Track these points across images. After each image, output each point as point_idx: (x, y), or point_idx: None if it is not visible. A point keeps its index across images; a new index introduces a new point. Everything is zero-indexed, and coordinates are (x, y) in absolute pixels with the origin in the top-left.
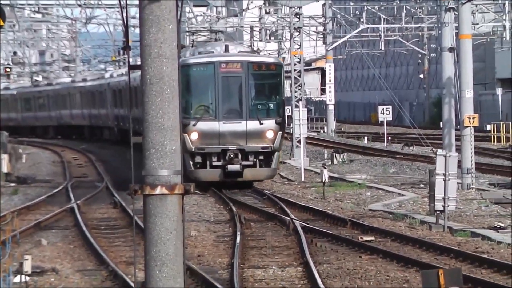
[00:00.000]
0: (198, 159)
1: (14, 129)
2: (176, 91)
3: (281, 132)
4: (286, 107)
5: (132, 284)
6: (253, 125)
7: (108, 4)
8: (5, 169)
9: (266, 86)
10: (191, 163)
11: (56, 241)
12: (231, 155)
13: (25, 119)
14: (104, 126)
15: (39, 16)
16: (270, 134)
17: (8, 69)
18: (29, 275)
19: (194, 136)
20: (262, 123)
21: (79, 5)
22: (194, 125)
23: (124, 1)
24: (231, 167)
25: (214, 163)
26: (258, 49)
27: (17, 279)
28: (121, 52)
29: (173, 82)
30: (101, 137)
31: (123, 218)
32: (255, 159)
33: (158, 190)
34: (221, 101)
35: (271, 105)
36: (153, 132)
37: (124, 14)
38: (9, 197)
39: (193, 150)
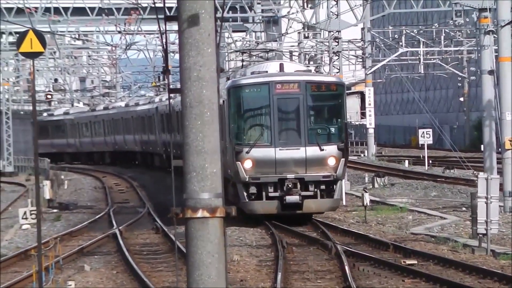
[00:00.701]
0: (253, 189)
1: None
2: (216, 114)
3: (344, 159)
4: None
5: None
6: (313, 151)
7: (148, 30)
8: (47, 196)
9: (326, 108)
10: (245, 194)
11: (99, 266)
12: (289, 185)
13: (82, 144)
14: (153, 152)
15: (79, 43)
16: (331, 161)
17: (49, 96)
18: None
19: (248, 164)
20: (323, 149)
21: (119, 32)
22: (247, 152)
23: (164, 27)
24: (289, 198)
25: (270, 194)
26: (317, 67)
27: None
28: (161, 77)
29: (213, 105)
30: (152, 164)
31: (165, 243)
32: (315, 189)
33: (199, 214)
34: (277, 125)
35: (332, 129)
36: (194, 155)
37: (164, 39)
38: (51, 223)
39: (247, 180)
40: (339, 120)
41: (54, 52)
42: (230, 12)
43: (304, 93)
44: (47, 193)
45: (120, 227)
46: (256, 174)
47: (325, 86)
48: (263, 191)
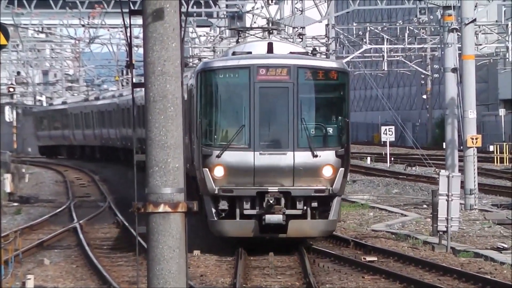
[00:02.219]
0: (224, 205)
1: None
2: (179, 108)
3: (343, 168)
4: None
5: None
6: (303, 157)
7: (112, 24)
8: (8, 189)
9: (323, 101)
10: (213, 210)
11: (59, 260)
12: (271, 201)
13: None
14: (114, 146)
15: (42, 36)
16: (328, 171)
17: (11, 89)
18: None
19: (219, 172)
20: (317, 155)
21: (83, 25)
22: (218, 156)
23: (128, 21)
24: (270, 217)
25: (246, 212)
26: (315, 49)
27: None
28: (125, 71)
29: (177, 100)
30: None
31: (126, 237)
32: (305, 207)
33: (161, 208)
34: (258, 122)
35: (330, 130)
36: (156, 150)
37: (128, 33)
38: (12, 216)
39: (216, 192)
40: (339, 118)
41: (17, 45)
42: (195, 7)
43: (295, 81)
44: (7, 187)
45: (80, 221)
46: (229, 185)
47: (323, 73)
48: (237, 208)
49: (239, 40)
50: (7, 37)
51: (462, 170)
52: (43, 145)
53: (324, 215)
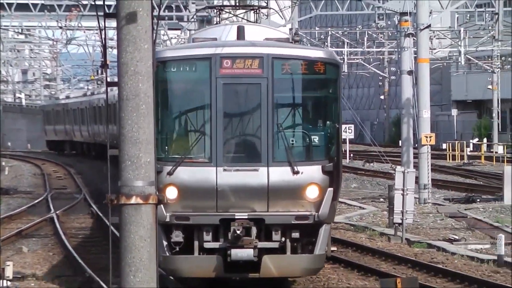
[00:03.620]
0: (178, 236)
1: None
2: (151, 106)
3: (331, 188)
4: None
5: None
6: (281, 174)
7: (88, 26)
8: None
9: (307, 102)
10: (164, 244)
11: (36, 248)
12: (238, 231)
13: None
14: (84, 142)
15: (22, 37)
16: (312, 192)
17: None
18: (10, 280)
19: (171, 193)
20: (298, 172)
21: (60, 27)
22: (170, 173)
23: (103, 23)
24: (237, 252)
25: (206, 245)
26: (297, 34)
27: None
28: (100, 71)
29: (148, 99)
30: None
31: (100, 227)
32: (283, 239)
33: (133, 200)
34: (222, 129)
35: (316, 138)
36: (129, 145)
37: (103, 35)
38: None
39: (167, 219)
40: (327, 122)
41: None
42: (166, 10)
43: (269, 76)
44: None
45: (57, 212)
46: (184, 211)
47: (307, 65)
48: (195, 240)
49: (219, 21)
50: None
51: (416, 166)
52: (50, 140)
53: (308, 249)
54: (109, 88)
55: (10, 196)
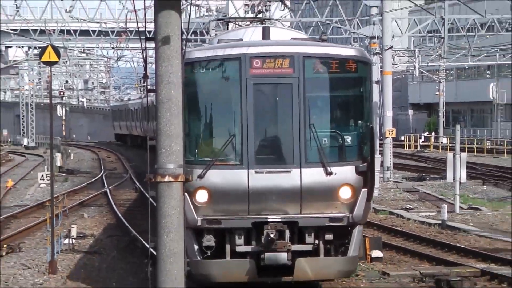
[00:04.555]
0: (209, 240)
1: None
2: (180, 108)
3: (365, 189)
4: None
5: (147, 245)
6: (314, 176)
7: (133, 47)
8: (58, 164)
9: (339, 102)
10: (195, 247)
11: (94, 215)
12: (272, 234)
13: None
14: (138, 135)
15: (84, 55)
16: (345, 193)
17: (61, 93)
18: (74, 239)
19: (201, 196)
20: (332, 173)
21: (112, 48)
22: (200, 176)
23: (144, 45)
24: (270, 256)
25: (239, 249)
26: (324, 33)
27: (66, 241)
28: (142, 80)
29: (178, 102)
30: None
31: (141, 199)
32: (316, 241)
33: (166, 179)
34: (253, 131)
35: (348, 138)
36: (164, 137)
37: (144, 54)
38: (61, 183)
39: (199, 223)
40: (359, 122)
41: (66, 62)
42: (193, 35)
43: (300, 75)
44: (58, 162)
45: (109, 187)
46: (216, 215)
47: (338, 64)
48: (226, 243)
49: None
50: (58, 55)
51: (382, 153)
52: (117, 133)
53: (341, 251)
54: (149, 94)
55: (75, 175)
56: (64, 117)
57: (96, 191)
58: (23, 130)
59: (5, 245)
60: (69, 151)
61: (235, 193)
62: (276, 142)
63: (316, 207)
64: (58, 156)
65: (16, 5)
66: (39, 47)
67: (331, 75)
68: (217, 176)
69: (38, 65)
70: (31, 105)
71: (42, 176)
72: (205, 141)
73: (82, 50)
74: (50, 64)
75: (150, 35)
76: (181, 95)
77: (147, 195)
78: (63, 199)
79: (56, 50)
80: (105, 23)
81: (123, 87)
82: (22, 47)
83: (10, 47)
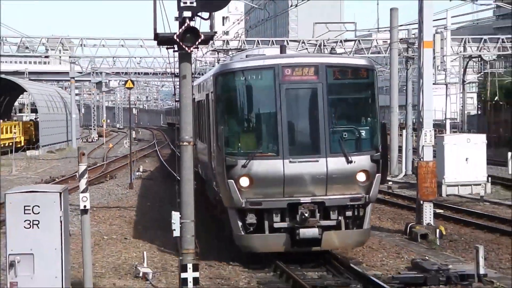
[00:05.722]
0: (251, 218)
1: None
2: (191, 110)
3: (379, 174)
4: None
5: (176, 175)
6: (336, 164)
7: (169, 80)
8: (134, 136)
9: (355, 102)
10: (239, 224)
11: (150, 161)
12: (305, 213)
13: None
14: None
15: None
16: (362, 177)
17: (135, 103)
18: (141, 172)
19: (245, 183)
20: (351, 161)
21: (160, 80)
22: (244, 166)
23: (174, 78)
24: (304, 232)
25: (276, 225)
26: (333, 48)
27: (137, 173)
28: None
29: (189, 107)
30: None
31: (174, 154)
32: (339, 217)
33: (185, 143)
34: (287, 127)
35: (363, 132)
36: (183, 123)
37: (175, 82)
38: (134, 145)
39: (243, 205)
40: (371, 119)
41: (136, 88)
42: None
43: (324, 81)
44: (133, 135)
45: (158, 148)
46: (257, 197)
47: (353, 72)
48: (265, 221)
49: (219, 59)
50: (133, 84)
51: None
52: (169, 122)
53: (357, 224)
54: (177, 102)
55: (141, 142)
56: (136, 114)
57: (151, 149)
58: (116, 120)
59: (109, 175)
60: (138, 130)
61: (272, 179)
62: (305, 136)
63: (338, 189)
64: (133, 132)
65: (113, 59)
66: (124, 81)
67: (348, 80)
68: (258, 166)
69: (124, 89)
70: (119, 108)
71: (126, 142)
72: (245, 137)
73: (146, 82)
74: (129, 88)
75: (177, 74)
76: (191, 104)
77: (177, 152)
78: (136, 153)
79: (132, 81)
80: (154, 68)
81: (165, 99)
82: (116, 80)
83: (111, 80)
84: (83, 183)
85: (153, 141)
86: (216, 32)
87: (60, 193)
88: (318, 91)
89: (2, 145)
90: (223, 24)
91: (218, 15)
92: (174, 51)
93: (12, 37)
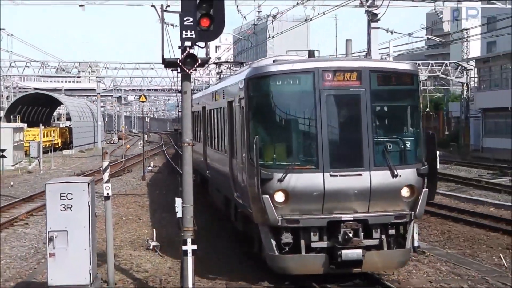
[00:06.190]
0: (288, 237)
1: None
2: (190, 116)
3: (426, 190)
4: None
5: (179, 169)
6: (381, 178)
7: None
8: (146, 138)
9: (399, 111)
10: (273, 243)
11: (158, 158)
12: (349, 233)
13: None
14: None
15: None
16: (407, 193)
17: (147, 113)
18: (151, 167)
19: (280, 198)
20: (397, 175)
21: (167, 96)
22: (281, 180)
23: (177, 94)
24: (347, 253)
25: (314, 244)
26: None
27: (148, 168)
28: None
29: (189, 115)
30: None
31: (177, 153)
32: (381, 236)
33: (185, 144)
34: (327, 137)
35: (408, 143)
36: (184, 128)
37: (179, 97)
38: (146, 146)
39: (279, 223)
40: (416, 128)
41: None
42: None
43: (367, 87)
44: (146, 138)
45: (165, 148)
46: (293, 214)
47: (397, 77)
48: (301, 240)
49: (221, 71)
50: (146, 98)
51: None
52: (174, 128)
53: (399, 243)
54: (180, 112)
55: (151, 143)
56: (148, 122)
57: (159, 149)
58: (132, 126)
59: (126, 169)
60: (149, 134)
61: (311, 194)
62: (347, 147)
63: (381, 205)
64: (146, 136)
65: (130, 79)
66: (139, 96)
67: (393, 87)
68: (296, 179)
69: (138, 102)
70: (134, 117)
71: (140, 143)
72: (282, 147)
73: (156, 97)
74: (142, 102)
75: (179, 90)
76: (190, 113)
77: (179, 151)
78: (147, 152)
79: (145, 96)
80: (162, 86)
81: (170, 110)
82: (132, 95)
83: (128, 95)
84: (106, 176)
85: (161, 143)
86: (210, 58)
87: (88, 184)
88: (361, 97)
89: (43, 146)
90: (216, 51)
91: (212, 44)
92: (177, 72)
93: (52, 61)
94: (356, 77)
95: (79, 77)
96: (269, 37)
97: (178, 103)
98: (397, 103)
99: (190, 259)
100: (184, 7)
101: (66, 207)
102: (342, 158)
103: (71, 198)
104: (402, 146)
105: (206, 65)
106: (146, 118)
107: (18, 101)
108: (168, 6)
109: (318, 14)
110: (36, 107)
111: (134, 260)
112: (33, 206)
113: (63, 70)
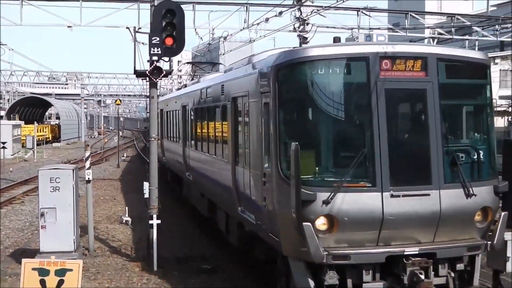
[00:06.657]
0: (332, 278)
1: None
2: (156, 117)
3: (505, 213)
4: None
5: (147, 159)
6: (453, 198)
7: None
8: (120, 134)
9: (475, 112)
10: (311, 284)
11: (130, 150)
12: (419, 273)
13: None
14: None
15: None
16: (483, 217)
17: (122, 114)
18: (124, 157)
19: (323, 225)
20: (473, 194)
21: (139, 100)
22: (326, 202)
23: (148, 99)
24: None
25: (367, 286)
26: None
27: (122, 158)
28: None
29: (155, 117)
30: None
31: (146, 146)
32: (449, 272)
33: (152, 139)
34: (387, 146)
35: (481, 152)
36: (151, 126)
37: (147, 102)
38: (120, 140)
39: (324, 259)
40: (491, 135)
41: (122, 104)
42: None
43: (435, 80)
44: (120, 134)
45: (135, 142)
46: (342, 247)
47: (469, 68)
48: (347, 279)
49: (195, 70)
50: (120, 102)
51: None
52: (145, 126)
53: (465, 280)
54: (148, 113)
55: (125, 137)
56: (122, 121)
57: (131, 143)
58: (109, 124)
59: (104, 159)
60: (124, 131)
61: (364, 220)
62: (412, 159)
63: (450, 233)
64: (120, 132)
65: (108, 86)
66: (115, 100)
67: (465, 80)
68: (345, 201)
69: (115, 104)
70: (112, 117)
71: (115, 138)
72: (326, 159)
73: (129, 101)
74: (118, 104)
75: (147, 95)
76: (156, 115)
77: (147, 144)
78: (121, 145)
79: (120, 100)
80: (134, 92)
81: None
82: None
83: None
84: (87, 164)
85: (132, 138)
86: (173, 70)
87: (73, 170)
88: (428, 93)
89: (37, 139)
90: (178, 65)
91: (174, 59)
92: (146, 81)
93: (45, 71)
94: (421, 67)
95: (66, 84)
96: (220, 54)
97: (147, 106)
98: (469, 101)
99: (155, 231)
100: (152, 29)
101: (55, 189)
102: (405, 173)
103: (59, 182)
104: (476, 157)
105: (170, 75)
106: (121, 118)
107: (16, 103)
108: (140, 28)
109: (260, 36)
110: (31, 108)
111: (110, 231)
112: (28, 187)
113: (54, 78)
